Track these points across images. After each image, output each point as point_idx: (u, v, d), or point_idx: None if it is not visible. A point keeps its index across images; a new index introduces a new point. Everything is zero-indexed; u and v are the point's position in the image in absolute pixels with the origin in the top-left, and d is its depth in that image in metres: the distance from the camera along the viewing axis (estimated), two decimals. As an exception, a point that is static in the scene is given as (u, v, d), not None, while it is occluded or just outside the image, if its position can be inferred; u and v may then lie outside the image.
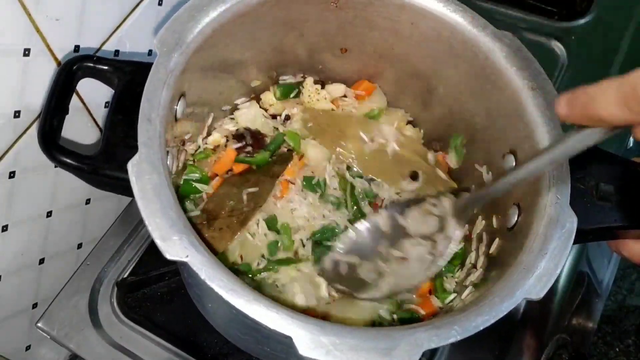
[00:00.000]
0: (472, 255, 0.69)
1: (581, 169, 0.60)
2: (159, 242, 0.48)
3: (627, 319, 1.44)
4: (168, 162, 0.56)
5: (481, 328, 0.49)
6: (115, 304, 0.82)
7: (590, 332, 0.95)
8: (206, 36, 0.60)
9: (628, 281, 1.52)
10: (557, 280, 0.84)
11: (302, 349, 0.45)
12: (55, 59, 0.71)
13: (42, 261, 0.88)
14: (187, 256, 0.47)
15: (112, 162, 0.58)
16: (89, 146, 0.85)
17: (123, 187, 0.51)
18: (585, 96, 0.40)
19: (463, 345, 0.78)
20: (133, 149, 0.51)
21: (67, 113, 0.64)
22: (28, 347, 0.96)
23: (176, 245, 0.48)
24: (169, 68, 0.56)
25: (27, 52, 0.66)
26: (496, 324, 0.78)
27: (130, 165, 0.50)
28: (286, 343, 0.46)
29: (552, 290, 0.83)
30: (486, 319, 0.49)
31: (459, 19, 0.65)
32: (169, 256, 0.47)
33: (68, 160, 0.58)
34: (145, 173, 0.50)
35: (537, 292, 0.51)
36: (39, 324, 0.80)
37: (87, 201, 0.92)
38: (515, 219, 0.61)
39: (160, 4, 0.83)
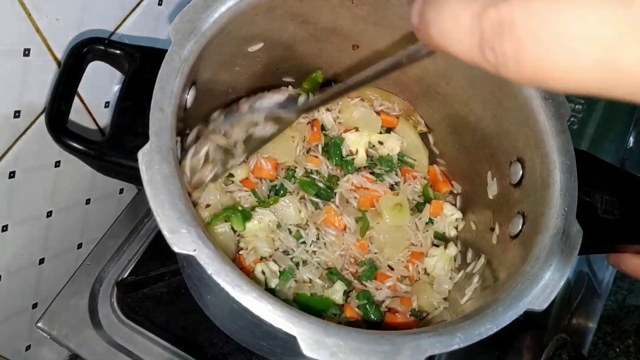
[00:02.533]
0: (471, 260, 0.69)
1: (587, 182, 0.60)
2: (166, 234, 0.47)
3: (627, 319, 1.44)
4: (177, 152, 0.55)
5: (484, 336, 0.49)
6: (115, 304, 0.82)
7: (590, 332, 0.95)
8: (221, 25, 0.58)
9: (628, 281, 1.51)
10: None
11: (306, 349, 0.45)
12: (56, 59, 0.71)
13: (42, 261, 0.88)
14: (195, 250, 0.47)
15: (118, 148, 0.57)
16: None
17: (128, 175, 0.50)
18: (434, 14, 0.29)
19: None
20: (140, 136, 0.50)
21: (74, 96, 0.63)
22: (28, 347, 0.96)
23: (184, 238, 0.47)
24: (183, 56, 0.54)
25: (27, 52, 0.66)
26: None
27: (140, 155, 0.49)
28: (286, 340, 0.46)
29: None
30: (489, 328, 0.49)
31: None
32: (176, 249, 0.47)
33: (75, 145, 0.57)
34: (155, 163, 0.49)
35: (540, 303, 0.51)
36: (39, 324, 0.80)
37: (87, 201, 0.92)
38: (520, 228, 0.60)
39: (160, 4, 0.83)
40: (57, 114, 0.59)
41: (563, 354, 0.81)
